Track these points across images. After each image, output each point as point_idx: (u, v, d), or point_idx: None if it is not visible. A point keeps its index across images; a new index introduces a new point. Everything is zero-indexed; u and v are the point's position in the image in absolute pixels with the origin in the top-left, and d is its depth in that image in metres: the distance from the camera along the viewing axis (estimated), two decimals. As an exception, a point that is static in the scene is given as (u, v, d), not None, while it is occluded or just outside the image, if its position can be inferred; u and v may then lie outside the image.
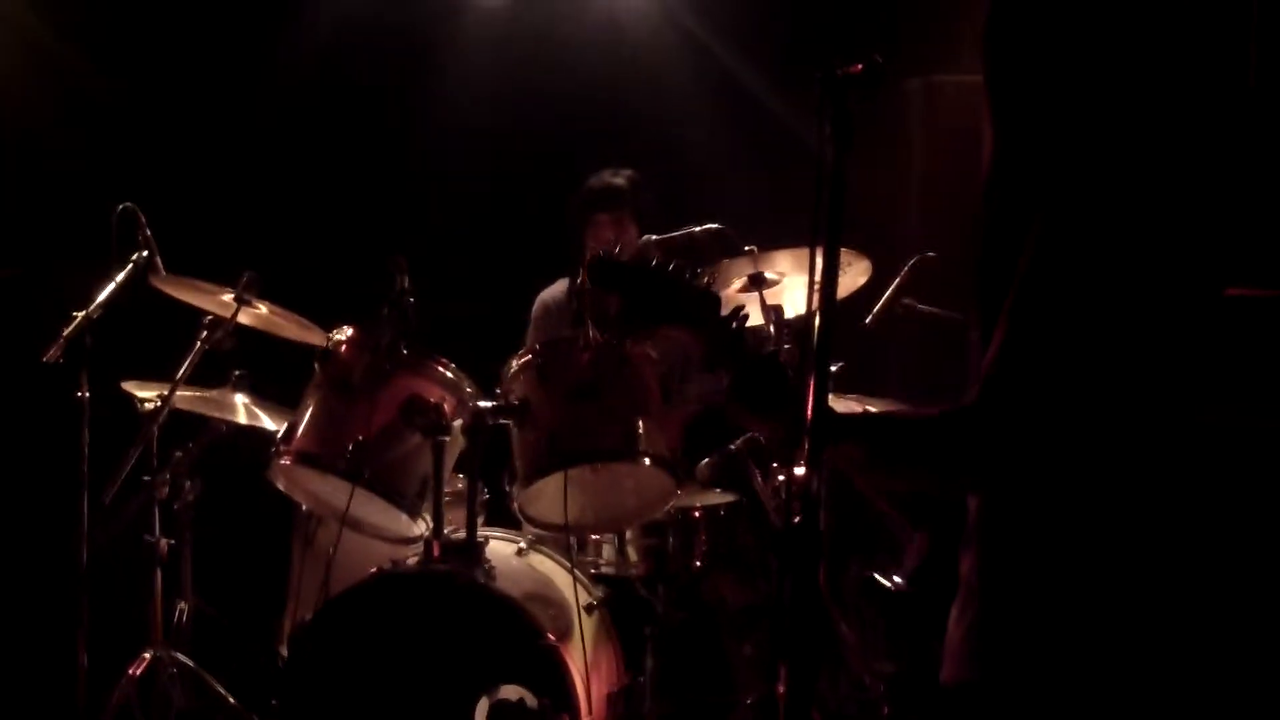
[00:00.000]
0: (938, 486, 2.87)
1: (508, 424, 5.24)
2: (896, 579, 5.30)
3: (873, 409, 5.81)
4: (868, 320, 6.07)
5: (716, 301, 3.00)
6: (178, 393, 5.58)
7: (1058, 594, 2.57)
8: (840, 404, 5.64)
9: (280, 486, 5.43)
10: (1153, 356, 2.54)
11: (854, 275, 5.55)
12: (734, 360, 2.92)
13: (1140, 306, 2.54)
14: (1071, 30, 2.66)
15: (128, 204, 5.68)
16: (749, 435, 5.39)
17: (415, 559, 5.19)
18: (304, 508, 5.65)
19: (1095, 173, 2.59)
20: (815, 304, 2.60)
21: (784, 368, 2.87)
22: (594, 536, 5.70)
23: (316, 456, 5.27)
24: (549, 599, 5.20)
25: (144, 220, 5.68)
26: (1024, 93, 2.72)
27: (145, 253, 5.67)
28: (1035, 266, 2.55)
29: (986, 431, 2.58)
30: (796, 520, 2.46)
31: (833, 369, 2.79)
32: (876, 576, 5.34)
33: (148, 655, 5.66)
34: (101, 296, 5.55)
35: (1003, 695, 2.62)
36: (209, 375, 5.88)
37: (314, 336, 5.56)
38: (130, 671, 5.61)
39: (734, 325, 2.97)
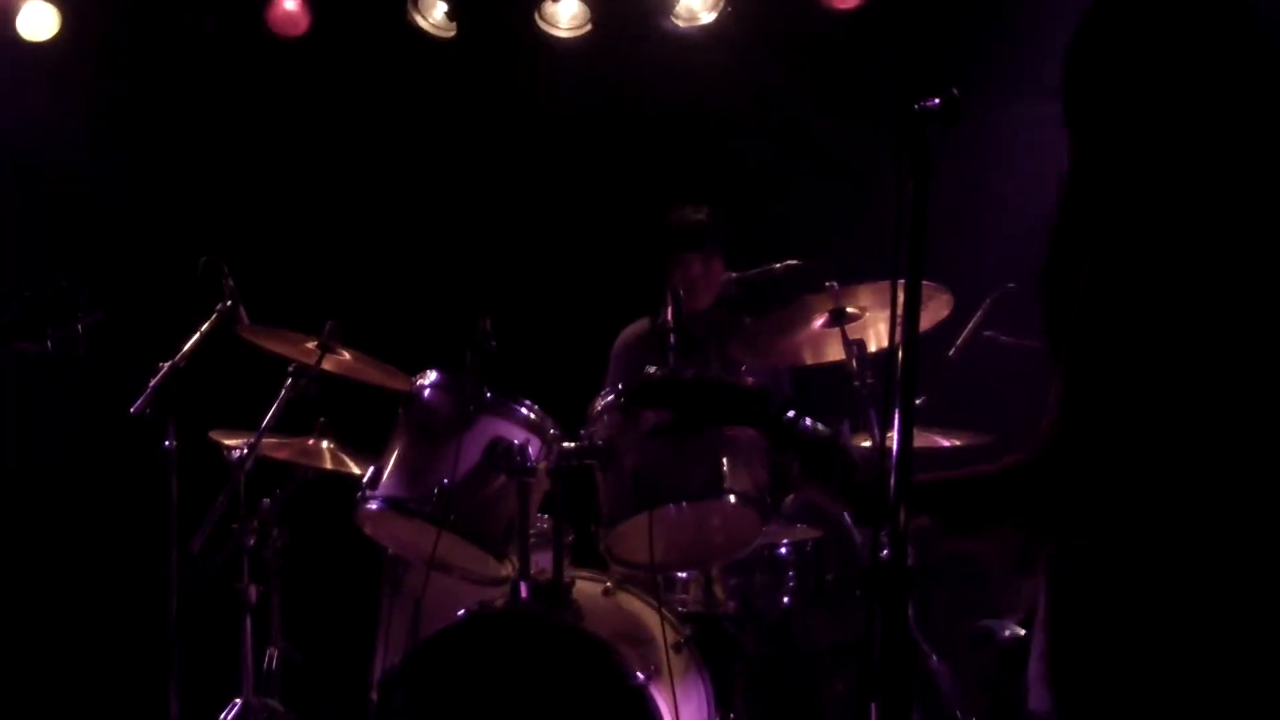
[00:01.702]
0: (1014, 541, 2.89)
1: (592, 465, 5.23)
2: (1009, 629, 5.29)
3: (944, 442, 5.80)
4: (951, 352, 6.05)
5: (764, 396, 3.00)
6: (264, 440, 5.62)
7: (1121, 628, 2.57)
8: (921, 438, 5.63)
9: (367, 531, 5.46)
10: (1211, 395, 2.52)
11: (935, 309, 5.51)
12: (797, 447, 2.92)
13: (1195, 346, 2.52)
14: (1145, 71, 2.66)
15: (211, 255, 5.73)
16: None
17: (503, 601, 5.19)
18: (390, 552, 5.68)
19: (1147, 215, 2.58)
20: (897, 339, 2.60)
21: (844, 447, 2.88)
22: (681, 575, 5.68)
23: (402, 501, 5.28)
24: (637, 638, 5.18)
25: (227, 270, 5.73)
26: (1094, 125, 2.72)
27: (229, 302, 5.71)
28: (1087, 310, 2.56)
29: (1055, 483, 2.60)
30: (884, 555, 2.45)
31: (916, 403, 2.78)
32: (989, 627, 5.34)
33: (238, 702, 5.68)
34: (187, 347, 5.59)
35: None
36: (294, 422, 5.92)
37: (398, 382, 5.58)
38: (221, 718, 5.64)
39: (786, 415, 2.96)
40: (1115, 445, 2.54)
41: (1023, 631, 5.08)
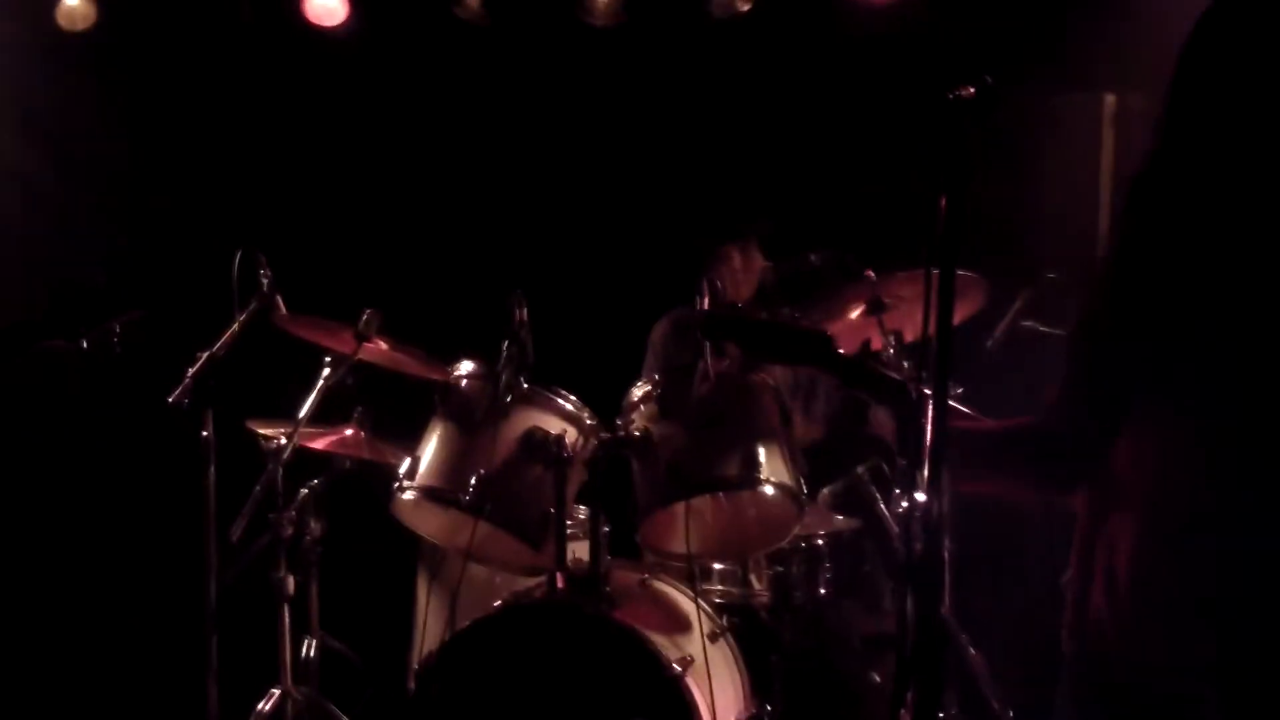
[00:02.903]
0: (1031, 494, 3.01)
1: (628, 455, 5.23)
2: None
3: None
4: (989, 343, 6.03)
5: (828, 339, 3.05)
6: (301, 431, 5.63)
7: (1141, 578, 2.67)
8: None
9: (404, 521, 5.46)
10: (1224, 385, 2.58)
11: (972, 299, 5.48)
12: (866, 383, 3.00)
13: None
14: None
15: (249, 246, 5.73)
16: (872, 462, 5.39)
17: (539, 591, 5.20)
18: (427, 542, 5.68)
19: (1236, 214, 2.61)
20: (931, 329, 2.62)
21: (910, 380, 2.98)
22: (717, 566, 5.67)
23: (440, 491, 5.28)
24: (673, 629, 5.18)
25: (265, 261, 5.73)
26: (1207, 122, 2.70)
27: (267, 293, 5.71)
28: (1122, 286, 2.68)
29: (1047, 447, 2.77)
30: (919, 546, 2.45)
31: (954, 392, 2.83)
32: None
33: (276, 691, 5.71)
34: (225, 337, 5.60)
35: (1087, 668, 2.77)
36: (332, 413, 5.92)
37: (435, 372, 5.58)
38: (259, 707, 5.66)
39: (859, 357, 3.02)
40: (1110, 420, 2.69)
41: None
